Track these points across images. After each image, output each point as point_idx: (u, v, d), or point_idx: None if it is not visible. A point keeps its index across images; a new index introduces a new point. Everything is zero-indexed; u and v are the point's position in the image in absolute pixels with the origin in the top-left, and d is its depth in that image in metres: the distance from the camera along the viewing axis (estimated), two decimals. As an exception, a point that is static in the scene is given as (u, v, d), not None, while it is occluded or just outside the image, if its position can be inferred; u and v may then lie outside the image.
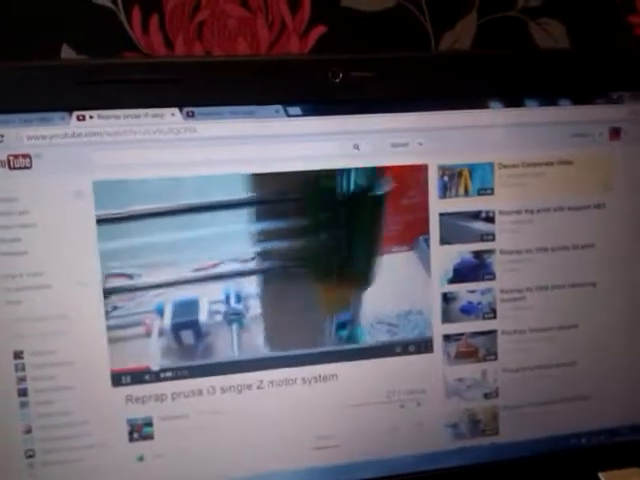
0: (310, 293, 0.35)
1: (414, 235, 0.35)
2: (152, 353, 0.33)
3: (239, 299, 0.34)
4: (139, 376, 0.33)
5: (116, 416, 0.33)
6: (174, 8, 0.47)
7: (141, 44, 0.45)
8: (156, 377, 0.34)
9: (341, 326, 0.35)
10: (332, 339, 0.35)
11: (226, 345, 0.34)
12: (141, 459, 0.34)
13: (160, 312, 0.33)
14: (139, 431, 0.34)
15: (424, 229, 0.35)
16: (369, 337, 0.35)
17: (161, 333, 0.33)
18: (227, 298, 0.34)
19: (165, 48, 0.46)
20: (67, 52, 0.43)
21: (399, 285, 0.36)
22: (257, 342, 0.35)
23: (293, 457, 0.36)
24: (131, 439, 0.34)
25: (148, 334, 0.33)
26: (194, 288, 0.34)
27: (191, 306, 0.34)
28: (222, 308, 0.34)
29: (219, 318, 0.34)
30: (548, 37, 0.52)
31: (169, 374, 0.34)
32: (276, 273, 0.34)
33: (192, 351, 0.34)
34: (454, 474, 0.38)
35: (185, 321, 0.34)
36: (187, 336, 0.34)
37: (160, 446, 0.34)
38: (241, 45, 0.48)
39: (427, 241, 0.36)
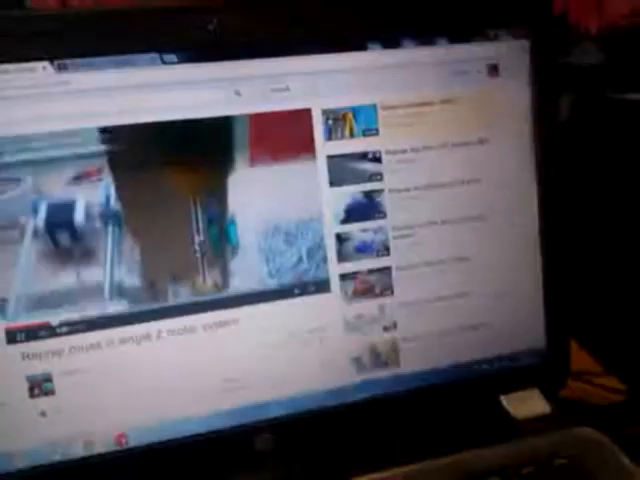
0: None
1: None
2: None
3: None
4: (35, 332, 0.33)
5: (14, 373, 0.33)
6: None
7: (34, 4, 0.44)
8: (52, 332, 0.34)
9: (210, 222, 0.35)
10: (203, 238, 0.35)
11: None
12: (43, 414, 0.34)
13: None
14: (39, 387, 0.34)
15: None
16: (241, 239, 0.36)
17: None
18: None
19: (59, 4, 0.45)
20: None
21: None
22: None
23: (200, 402, 0.37)
24: (32, 395, 0.34)
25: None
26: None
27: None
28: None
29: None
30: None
31: (65, 329, 0.34)
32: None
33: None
34: (359, 407, 0.39)
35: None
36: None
37: (62, 401, 0.34)
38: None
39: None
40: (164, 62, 0.33)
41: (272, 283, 0.37)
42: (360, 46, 0.36)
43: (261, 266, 0.36)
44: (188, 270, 0.35)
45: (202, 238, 0.35)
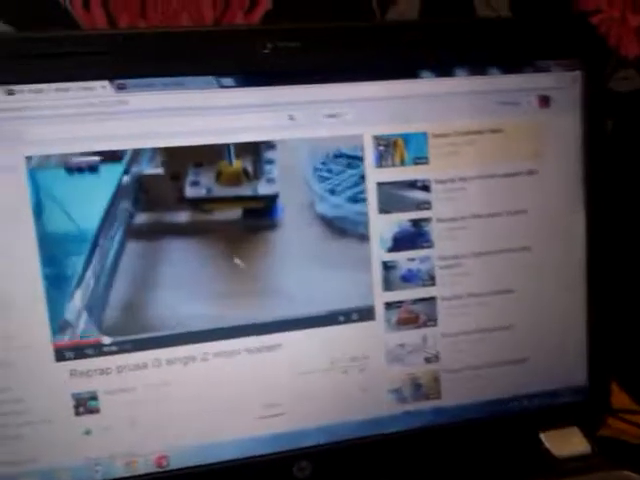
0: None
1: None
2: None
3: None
4: (83, 351, 0.34)
5: (61, 391, 0.34)
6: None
7: (83, 22, 0.45)
8: (100, 351, 0.34)
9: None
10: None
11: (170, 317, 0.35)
12: (88, 433, 0.34)
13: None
14: (84, 405, 0.34)
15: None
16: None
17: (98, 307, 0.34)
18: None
19: (108, 26, 0.46)
20: (3, 30, 0.42)
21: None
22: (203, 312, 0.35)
23: (240, 426, 0.36)
24: (77, 413, 0.34)
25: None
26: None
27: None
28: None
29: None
30: (492, 11, 0.53)
31: (114, 348, 0.34)
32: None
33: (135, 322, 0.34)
34: (398, 438, 0.39)
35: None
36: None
37: (106, 419, 0.34)
38: (185, 22, 0.48)
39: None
40: (221, 85, 0.33)
41: (316, 309, 0.36)
42: (413, 74, 0.36)
43: (306, 291, 0.36)
44: (234, 293, 0.35)
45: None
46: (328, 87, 0.35)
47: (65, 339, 0.33)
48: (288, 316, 0.36)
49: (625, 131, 0.60)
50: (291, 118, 0.35)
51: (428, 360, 0.38)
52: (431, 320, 0.38)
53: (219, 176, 0.34)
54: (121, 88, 0.32)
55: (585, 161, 0.39)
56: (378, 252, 0.37)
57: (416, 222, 0.37)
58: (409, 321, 0.38)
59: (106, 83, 0.32)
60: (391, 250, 0.37)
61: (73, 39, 0.32)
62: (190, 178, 0.34)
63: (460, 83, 0.37)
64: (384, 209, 0.37)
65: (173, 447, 0.36)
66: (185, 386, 0.35)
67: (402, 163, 0.37)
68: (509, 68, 0.38)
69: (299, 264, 0.36)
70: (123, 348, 0.34)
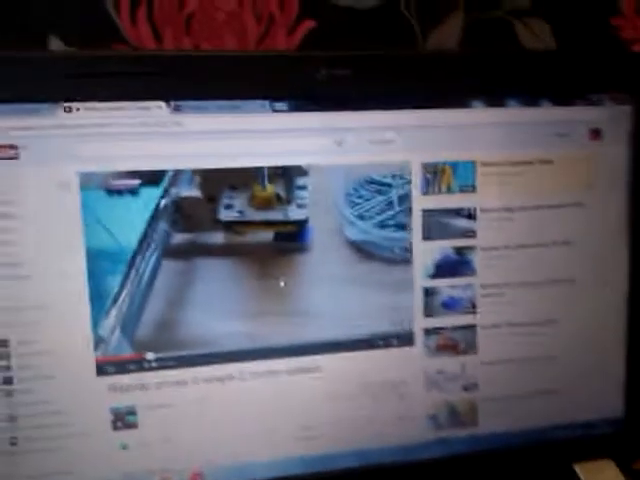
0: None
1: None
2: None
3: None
4: (124, 366, 0.34)
5: (99, 405, 0.34)
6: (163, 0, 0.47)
7: (129, 36, 0.45)
8: (140, 367, 0.34)
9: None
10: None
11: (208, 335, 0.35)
12: (125, 447, 0.34)
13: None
14: (122, 420, 0.34)
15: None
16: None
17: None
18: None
19: (154, 41, 0.46)
20: (55, 44, 0.43)
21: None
22: (240, 331, 0.35)
23: (275, 446, 0.36)
24: (115, 428, 0.34)
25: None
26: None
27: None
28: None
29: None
30: (534, 37, 0.53)
31: (154, 364, 0.34)
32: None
33: (176, 341, 0.34)
34: (434, 465, 0.38)
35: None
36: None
37: (144, 435, 0.34)
38: (229, 39, 0.48)
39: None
40: (274, 110, 0.33)
41: (356, 332, 0.36)
42: (464, 103, 0.36)
43: (347, 314, 0.36)
44: (271, 313, 0.35)
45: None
46: (377, 114, 0.35)
47: (106, 354, 0.33)
48: (327, 339, 0.36)
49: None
50: (338, 144, 0.35)
51: (466, 388, 0.38)
52: (471, 348, 0.38)
53: (252, 200, 0.34)
54: (176, 109, 0.32)
55: (634, 195, 0.39)
56: (420, 278, 0.37)
57: (460, 250, 0.37)
58: (448, 348, 0.38)
59: (162, 104, 0.32)
60: (433, 277, 0.37)
61: (130, 59, 0.32)
62: (224, 201, 0.34)
63: (511, 113, 0.37)
64: (428, 236, 0.37)
65: (208, 464, 0.36)
66: (222, 404, 0.35)
67: (449, 190, 0.36)
68: (561, 100, 0.37)
69: (336, 286, 0.36)
70: (163, 365, 0.34)
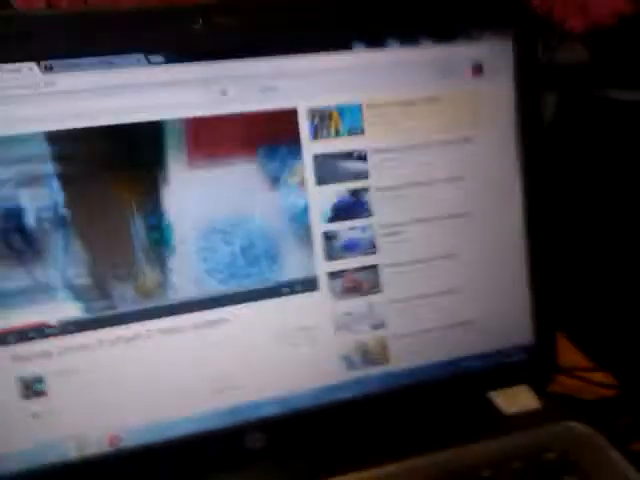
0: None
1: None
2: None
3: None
4: (25, 334, 0.34)
5: (5, 375, 0.34)
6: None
7: (20, 4, 0.44)
8: (42, 334, 0.34)
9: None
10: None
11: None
12: (35, 416, 0.34)
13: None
14: (30, 388, 0.34)
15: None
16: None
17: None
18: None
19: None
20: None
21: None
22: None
23: (192, 402, 0.37)
24: (24, 396, 0.34)
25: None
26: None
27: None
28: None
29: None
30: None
31: (55, 330, 0.34)
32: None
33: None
34: (350, 405, 0.39)
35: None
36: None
37: (54, 402, 0.34)
38: (125, 2, 0.47)
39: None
40: (150, 62, 0.33)
41: (259, 282, 0.37)
42: (345, 46, 0.37)
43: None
44: (176, 266, 0.35)
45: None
46: (260, 61, 0.35)
47: (4, 323, 0.33)
48: (233, 289, 0.36)
49: (570, 102, 0.62)
50: (223, 93, 0.35)
51: (375, 327, 0.39)
52: (375, 287, 0.39)
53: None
54: (48, 69, 0.32)
55: (521, 129, 0.40)
56: (318, 223, 0.37)
57: (355, 192, 0.38)
58: (354, 289, 0.39)
59: (33, 65, 0.32)
60: (331, 220, 0.38)
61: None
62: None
63: (392, 54, 0.37)
64: (322, 180, 0.37)
65: (125, 426, 0.36)
66: (132, 365, 0.36)
67: (337, 134, 0.37)
68: (441, 37, 0.38)
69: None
70: (65, 330, 0.34)
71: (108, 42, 0.33)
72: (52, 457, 0.35)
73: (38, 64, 0.32)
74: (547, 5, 0.60)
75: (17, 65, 0.32)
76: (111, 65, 0.33)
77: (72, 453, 0.35)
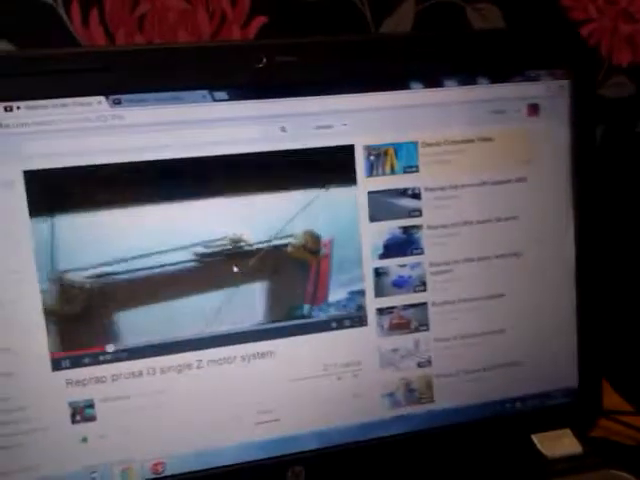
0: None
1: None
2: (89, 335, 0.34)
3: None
4: (79, 360, 0.34)
5: (57, 400, 0.34)
6: (114, 1, 0.47)
7: (81, 38, 0.46)
8: (95, 360, 0.34)
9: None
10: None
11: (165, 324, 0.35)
12: (84, 440, 0.35)
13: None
14: (81, 413, 0.34)
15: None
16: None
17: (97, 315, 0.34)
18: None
19: (106, 41, 0.46)
20: (5, 47, 0.43)
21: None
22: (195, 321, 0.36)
23: (235, 432, 0.37)
24: (74, 421, 0.34)
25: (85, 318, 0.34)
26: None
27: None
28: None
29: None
30: (485, 22, 0.54)
31: (109, 357, 0.34)
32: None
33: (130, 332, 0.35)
34: (392, 442, 0.39)
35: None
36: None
37: (103, 427, 0.35)
38: (182, 37, 0.48)
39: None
40: (214, 99, 0.34)
41: (309, 316, 0.37)
42: (403, 85, 0.37)
43: (299, 299, 0.37)
44: (232, 300, 0.36)
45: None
46: (320, 99, 0.36)
47: (61, 349, 0.34)
48: (282, 322, 0.37)
49: (615, 136, 0.61)
50: (283, 130, 0.35)
51: (420, 364, 0.39)
52: (423, 325, 0.39)
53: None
54: (116, 103, 0.33)
55: (574, 167, 0.40)
56: (370, 259, 0.38)
57: (407, 229, 0.38)
58: (401, 326, 0.38)
59: (102, 98, 0.33)
60: (382, 257, 0.38)
61: (68, 55, 0.32)
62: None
63: (450, 93, 0.38)
64: (375, 217, 0.37)
65: (169, 453, 0.36)
66: (180, 393, 0.36)
67: (392, 172, 0.37)
68: (498, 78, 0.38)
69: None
70: (118, 357, 0.35)
71: (175, 78, 0.33)
72: (98, 481, 0.35)
73: (107, 98, 0.33)
74: (594, 39, 0.59)
75: (87, 99, 0.32)
76: (177, 100, 0.33)
77: (116, 479, 0.36)
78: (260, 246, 0.36)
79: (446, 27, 0.53)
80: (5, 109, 0.32)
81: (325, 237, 0.37)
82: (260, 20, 0.51)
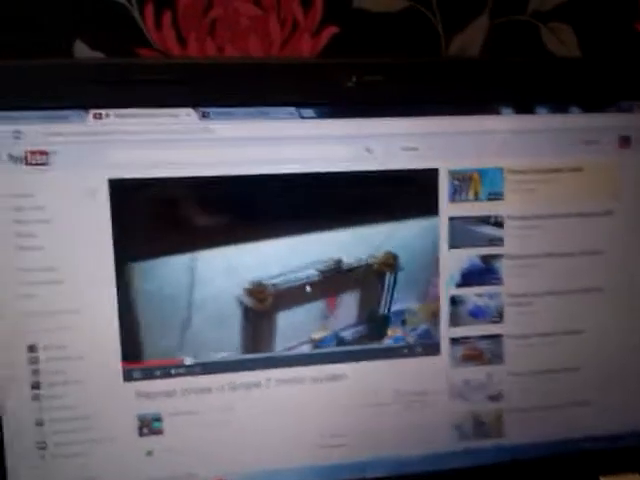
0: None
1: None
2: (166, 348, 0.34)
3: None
4: (150, 372, 0.34)
5: (126, 411, 0.34)
6: (187, 5, 0.47)
7: (154, 40, 0.45)
8: (167, 373, 0.34)
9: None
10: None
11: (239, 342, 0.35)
12: (150, 454, 0.34)
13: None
14: (148, 426, 0.34)
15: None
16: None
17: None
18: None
19: (177, 44, 0.46)
20: (80, 48, 0.43)
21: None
22: (268, 340, 0.35)
23: (300, 454, 0.36)
24: (141, 434, 0.34)
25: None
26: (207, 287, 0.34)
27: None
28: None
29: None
30: (558, 41, 0.53)
31: (180, 370, 0.34)
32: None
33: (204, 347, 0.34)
34: (459, 475, 0.38)
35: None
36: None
37: (169, 441, 0.34)
38: (253, 43, 0.48)
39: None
40: (302, 116, 0.33)
41: (382, 341, 0.36)
42: (492, 110, 0.36)
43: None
44: (304, 322, 0.35)
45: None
46: (407, 121, 0.35)
47: (134, 360, 0.33)
48: (354, 346, 0.36)
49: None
50: (368, 150, 0.35)
51: (492, 398, 0.38)
52: (497, 357, 0.37)
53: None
54: (205, 116, 0.32)
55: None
56: (447, 286, 0.36)
57: (486, 258, 0.37)
58: (474, 357, 0.37)
59: (190, 111, 0.32)
60: (460, 285, 0.37)
61: (160, 66, 0.32)
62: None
63: (540, 121, 0.36)
64: (455, 244, 0.36)
65: (232, 471, 0.36)
66: (247, 411, 0.35)
67: (476, 198, 0.36)
68: (590, 107, 0.37)
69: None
70: (189, 371, 0.34)
71: (264, 93, 0.33)
72: (159, 495, 0.35)
73: (196, 110, 0.32)
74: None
75: (176, 110, 0.32)
76: (264, 116, 0.33)
77: (178, 493, 0.35)
78: (351, 266, 0.35)
79: (518, 46, 0.52)
80: (94, 116, 0.32)
81: (402, 259, 0.36)
82: (331, 30, 0.50)
